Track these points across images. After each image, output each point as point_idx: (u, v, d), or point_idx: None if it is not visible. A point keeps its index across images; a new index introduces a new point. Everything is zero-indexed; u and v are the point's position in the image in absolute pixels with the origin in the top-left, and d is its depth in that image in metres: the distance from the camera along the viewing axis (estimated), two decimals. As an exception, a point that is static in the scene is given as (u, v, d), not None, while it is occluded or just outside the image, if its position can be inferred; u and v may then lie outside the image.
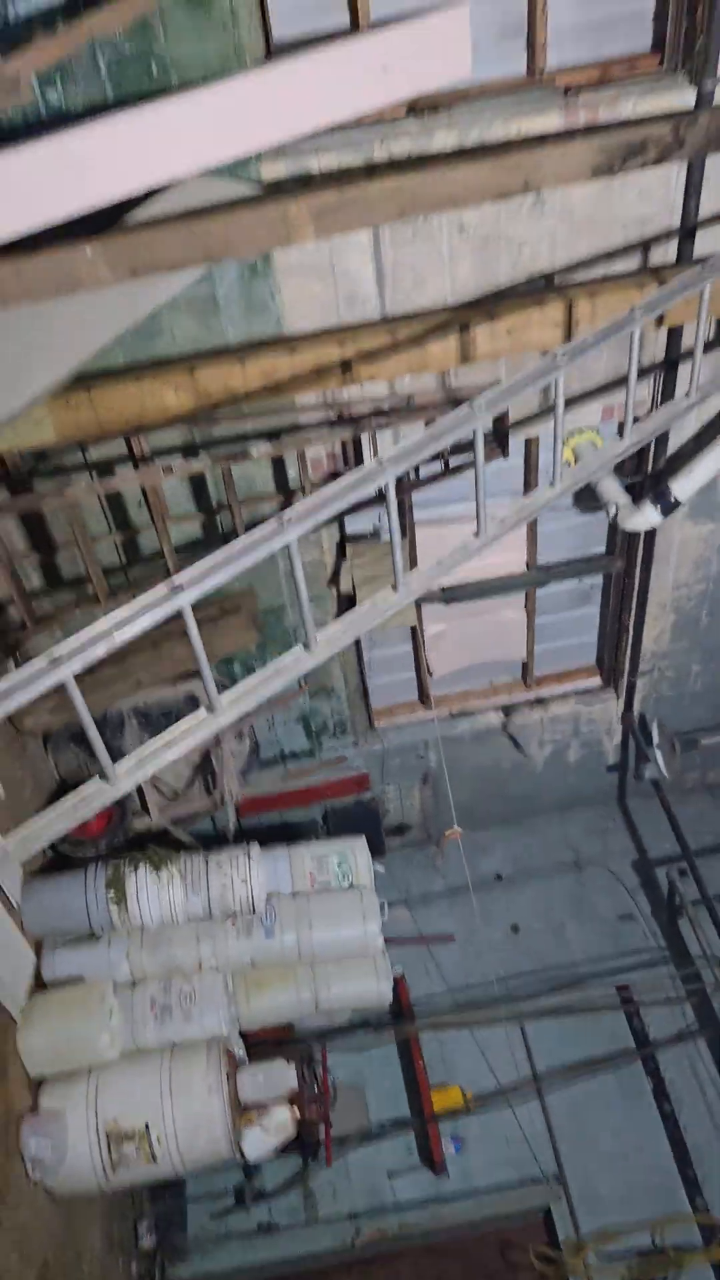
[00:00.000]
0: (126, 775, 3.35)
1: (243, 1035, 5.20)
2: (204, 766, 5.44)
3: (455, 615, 5.86)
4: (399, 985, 6.10)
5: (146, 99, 3.55)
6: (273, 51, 3.88)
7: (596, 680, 6.41)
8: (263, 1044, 5.48)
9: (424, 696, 6.28)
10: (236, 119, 3.62)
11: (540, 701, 6.34)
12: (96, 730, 3.19)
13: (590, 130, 4.00)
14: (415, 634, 5.85)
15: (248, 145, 3.70)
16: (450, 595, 5.65)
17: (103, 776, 3.35)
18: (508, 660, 6.25)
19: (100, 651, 3.01)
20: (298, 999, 5.12)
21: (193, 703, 5.11)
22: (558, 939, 6.66)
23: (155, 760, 3.39)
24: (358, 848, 5.34)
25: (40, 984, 4.81)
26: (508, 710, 6.34)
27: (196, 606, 3.16)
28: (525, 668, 6.29)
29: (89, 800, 3.32)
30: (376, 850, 5.74)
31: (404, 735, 6.26)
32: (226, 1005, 4.89)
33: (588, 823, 7.13)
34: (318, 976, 5.15)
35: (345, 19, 3.92)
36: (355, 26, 3.94)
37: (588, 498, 5.36)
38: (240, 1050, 5.09)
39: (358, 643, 5.81)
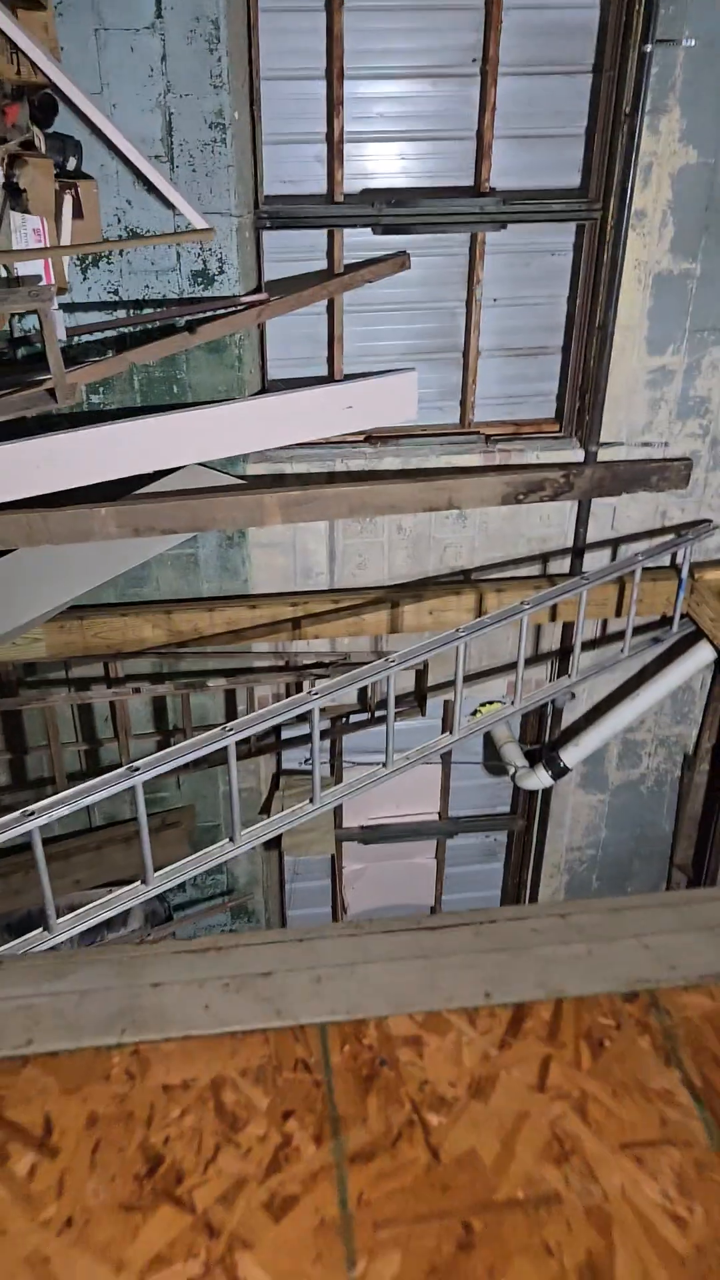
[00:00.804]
0: (65, 927, 4.03)
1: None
2: (125, 968, 5.99)
3: (373, 855, 6.64)
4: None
5: (168, 409, 4.85)
6: (267, 386, 5.22)
7: (497, 934, 7.09)
8: None
9: (338, 932, 6.92)
10: (232, 429, 4.91)
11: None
12: (43, 890, 3.92)
13: (502, 468, 5.32)
14: (335, 867, 6.59)
15: (238, 449, 4.99)
16: (369, 835, 6.46)
17: (45, 927, 4.03)
18: (418, 905, 6.95)
19: (64, 811, 3.79)
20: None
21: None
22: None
23: (91, 918, 4.08)
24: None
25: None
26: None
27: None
28: (433, 913, 6.98)
29: (29, 943, 3.98)
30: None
31: (315, 968, 6.82)
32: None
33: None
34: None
35: (324, 370, 5.29)
36: (331, 374, 5.32)
37: (494, 759, 6.32)
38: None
39: (281, 872, 6.53)
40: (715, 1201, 0.76)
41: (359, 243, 4.99)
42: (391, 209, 4.87)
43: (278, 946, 0.92)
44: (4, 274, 4.11)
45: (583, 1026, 0.86)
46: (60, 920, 4.08)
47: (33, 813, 3.76)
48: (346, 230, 4.93)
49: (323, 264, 5.03)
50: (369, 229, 4.92)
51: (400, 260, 5.02)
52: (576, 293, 5.18)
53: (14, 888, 5.75)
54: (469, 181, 4.94)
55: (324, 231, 4.93)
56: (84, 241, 4.46)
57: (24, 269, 4.14)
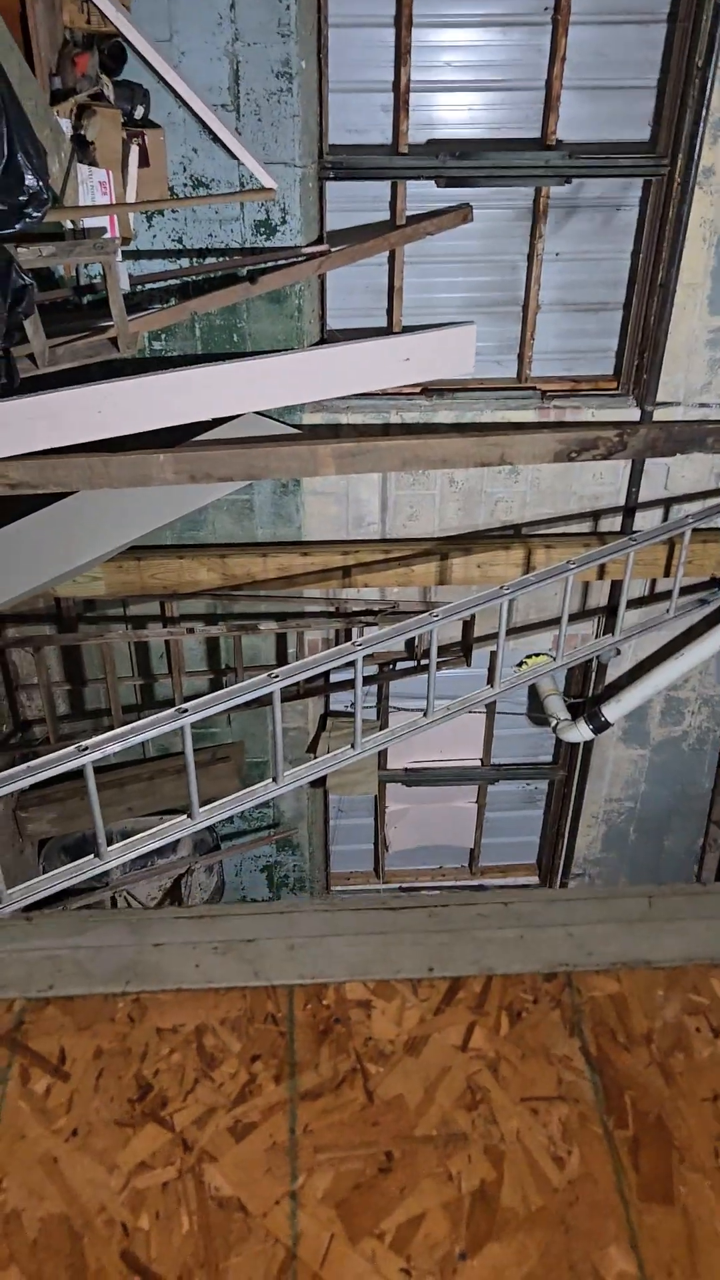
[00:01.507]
0: (115, 854, 4.32)
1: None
2: (174, 893, 6.34)
3: (415, 798, 6.88)
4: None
5: (226, 357, 5.00)
6: (326, 336, 5.33)
7: (534, 878, 7.32)
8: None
9: (378, 868, 7.20)
10: (290, 379, 5.03)
11: (481, 889, 7.23)
12: (94, 820, 4.20)
13: (557, 425, 5.39)
14: (378, 807, 6.84)
15: (295, 398, 5.12)
16: (412, 778, 6.69)
17: (96, 854, 4.32)
18: (457, 847, 7.19)
19: (116, 748, 4.04)
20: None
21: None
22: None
23: (141, 847, 4.37)
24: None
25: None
26: (451, 892, 7.23)
27: (194, 748, 4.20)
28: (472, 855, 7.22)
29: (81, 868, 4.28)
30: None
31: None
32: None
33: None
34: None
35: (383, 321, 5.38)
36: (390, 326, 5.40)
37: (537, 711, 6.48)
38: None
39: (326, 808, 6.80)
40: (590, 1146, 0.94)
41: (422, 194, 5.03)
42: (456, 161, 4.90)
43: (262, 918, 1.11)
44: (70, 225, 4.26)
45: (506, 999, 1.04)
46: (111, 848, 4.37)
47: (86, 748, 4.02)
48: (410, 182, 4.97)
49: (385, 215, 5.09)
50: (432, 181, 4.95)
51: (463, 213, 5.06)
52: (640, 249, 5.18)
53: (70, 812, 6.09)
54: (535, 133, 4.94)
55: (387, 183, 4.98)
56: (149, 192, 4.58)
57: (90, 220, 4.29)
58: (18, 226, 3.01)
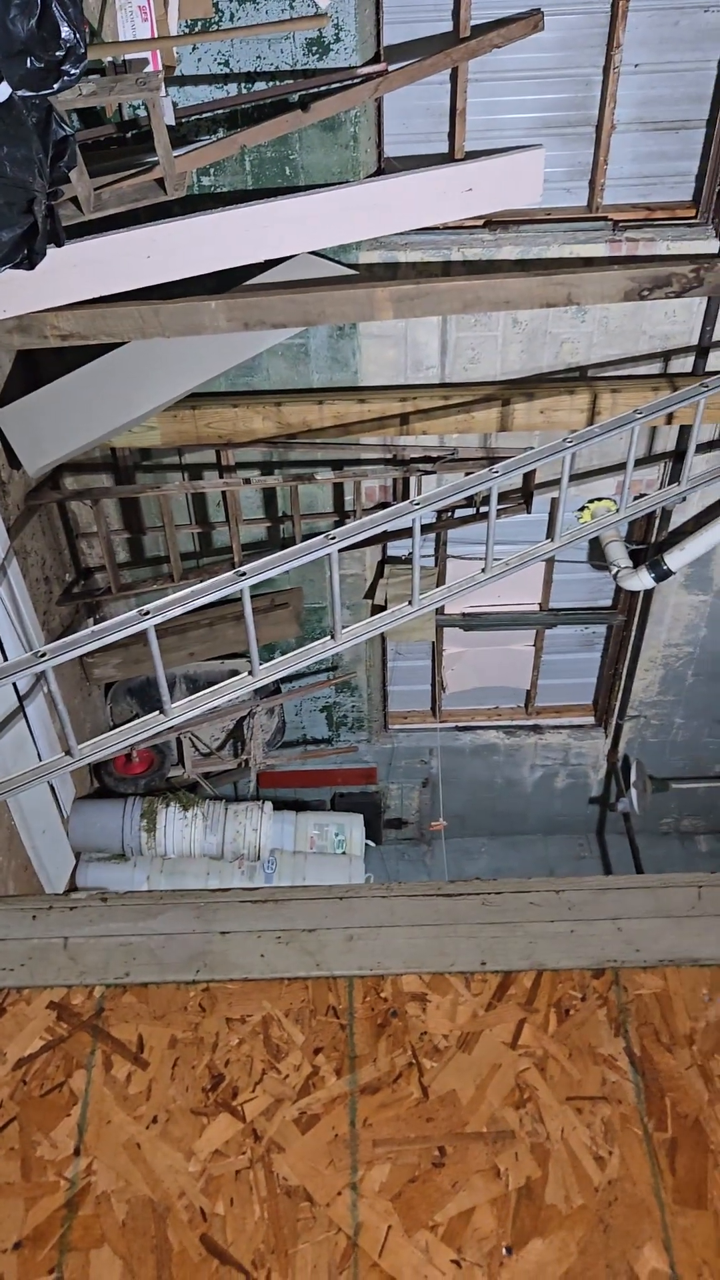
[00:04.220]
0: (180, 712, 4.47)
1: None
2: (236, 733, 6.57)
3: (473, 641, 6.94)
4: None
5: (278, 192, 4.76)
6: (383, 166, 5.02)
7: (590, 718, 7.44)
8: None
9: (435, 708, 7.36)
10: (346, 215, 4.80)
11: (537, 729, 7.39)
12: (157, 679, 4.32)
13: (628, 260, 5.10)
14: (435, 651, 6.93)
15: (351, 236, 4.89)
16: (470, 622, 6.74)
17: (161, 710, 4.48)
18: (513, 688, 7.30)
19: (177, 612, 4.12)
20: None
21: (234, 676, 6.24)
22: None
23: (204, 704, 4.51)
24: (355, 824, 6.43)
25: (73, 888, 5.95)
26: (507, 731, 7.39)
27: (252, 595, 4.25)
28: (528, 697, 7.34)
29: (148, 724, 4.45)
30: (373, 837, 6.83)
31: (412, 740, 7.33)
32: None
33: (566, 847, 8.13)
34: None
35: (445, 146, 5.05)
36: (451, 152, 5.07)
37: (598, 556, 6.42)
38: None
39: (384, 650, 6.91)
40: (630, 1147, 1.02)
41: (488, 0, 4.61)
42: (526, -38, 4.46)
43: (322, 904, 1.17)
44: (110, 59, 4.00)
45: (555, 996, 1.10)
46: (175, 704, 4.51)
47: (148, 612, 4.10)
48: (475, -14, 4.56)
49: (448, 25, 4.70)
50: (500, -15, 4.53)
51: (533, 21, 4.64)
52: (729, 58, 4.73)
53: (135, 657, 6.27)
54: None
55: (450, -12, 4.57)
56: (192, 10, 4.27)
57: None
58: (55, 87, 2.82)
